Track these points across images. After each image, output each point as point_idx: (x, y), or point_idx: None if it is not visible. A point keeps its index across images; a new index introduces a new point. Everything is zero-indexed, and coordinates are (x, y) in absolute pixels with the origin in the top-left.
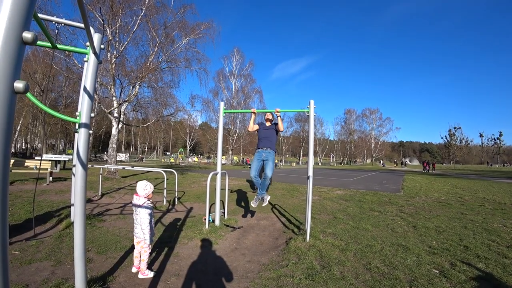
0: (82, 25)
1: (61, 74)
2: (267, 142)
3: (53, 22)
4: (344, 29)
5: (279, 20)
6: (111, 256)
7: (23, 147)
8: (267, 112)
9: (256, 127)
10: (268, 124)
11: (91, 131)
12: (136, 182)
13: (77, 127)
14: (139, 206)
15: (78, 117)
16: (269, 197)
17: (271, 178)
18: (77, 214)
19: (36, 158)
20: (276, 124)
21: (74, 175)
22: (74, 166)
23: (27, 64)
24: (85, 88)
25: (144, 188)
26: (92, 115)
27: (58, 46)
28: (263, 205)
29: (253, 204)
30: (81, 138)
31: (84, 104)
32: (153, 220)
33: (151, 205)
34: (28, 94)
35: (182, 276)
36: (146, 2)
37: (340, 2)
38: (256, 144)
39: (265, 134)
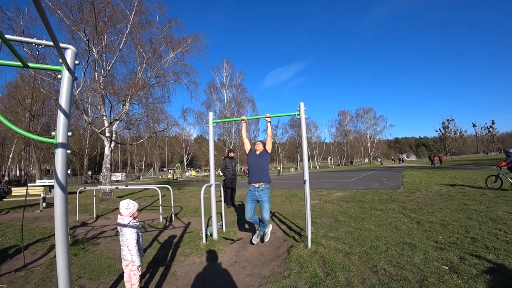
0: (51, 44)
1: (50, 98)
2: (259, 175)
3: (22, 43)
4: (331, 33)
5: (266, 30)
6: (104, 281)
7: (17, 175)
8: (258, 118)
9: (248, 146)
10: (258, 152)
11: (69, 151)
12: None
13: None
14: (124, 226)
15: (54, 137)
16: (271, 227)
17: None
18: (58, 244)
19: (30, 185)
20: (266, 151)
21: None
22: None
23: (16, 90)
24: (60, 106)
25: (127, 207)
26: (70, 134)
27: (30, 64)
28: (265, 240)
29: (254, 241)
30: (58, 159)
31: (60, 122)
32: (140, 240)
33: (137, 224)
34: None
35: None
36: (131, 20)
37: (324, 8)
38: (247, 172)
39: (256, 164)
